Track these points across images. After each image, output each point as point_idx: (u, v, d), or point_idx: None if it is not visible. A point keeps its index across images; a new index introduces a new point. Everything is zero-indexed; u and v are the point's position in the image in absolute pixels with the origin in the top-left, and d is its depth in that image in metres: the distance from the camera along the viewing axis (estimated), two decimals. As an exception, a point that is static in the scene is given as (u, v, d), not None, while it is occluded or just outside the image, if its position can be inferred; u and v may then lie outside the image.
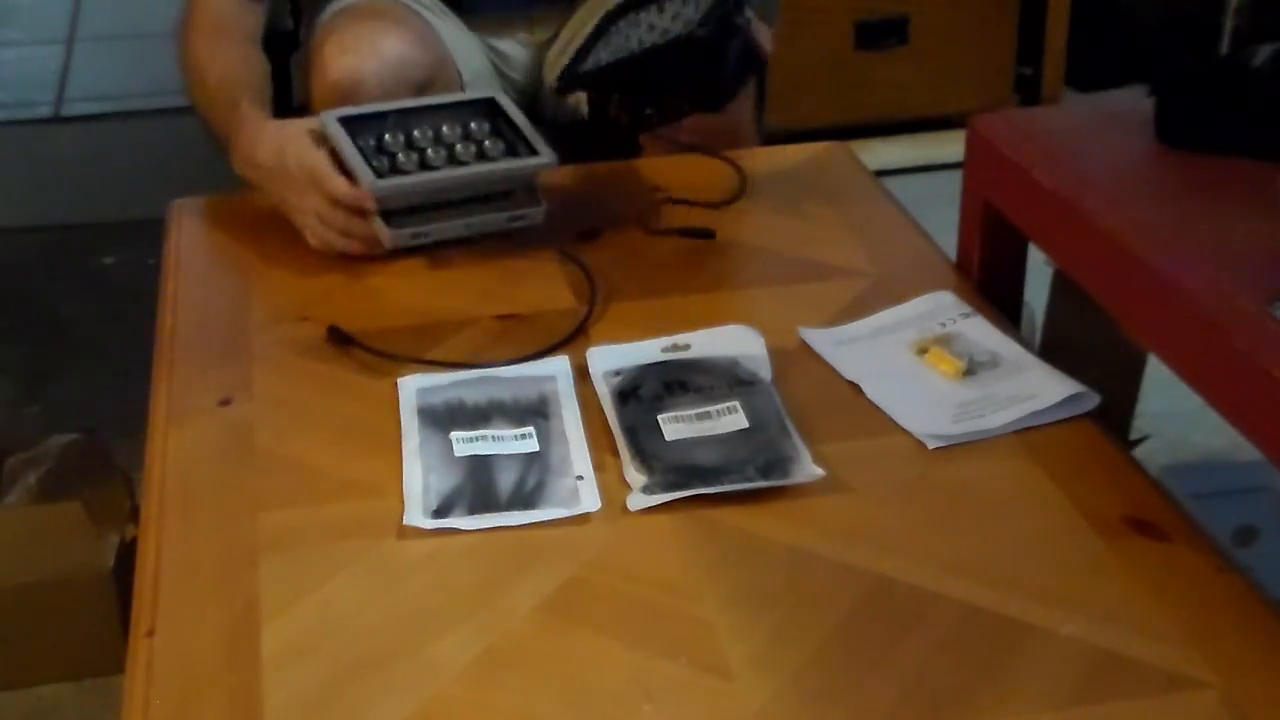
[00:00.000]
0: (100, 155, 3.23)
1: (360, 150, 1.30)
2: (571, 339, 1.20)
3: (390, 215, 1.31)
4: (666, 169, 1.50)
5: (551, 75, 1.38)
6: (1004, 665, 0.87)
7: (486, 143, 1.36)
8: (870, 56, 2.99)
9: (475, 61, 1.66)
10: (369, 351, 1.19)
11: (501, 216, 1.34)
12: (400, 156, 1.32)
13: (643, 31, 1.33)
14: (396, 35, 1.51)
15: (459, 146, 1.34)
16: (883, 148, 2.92)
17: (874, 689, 0.86)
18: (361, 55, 1.47)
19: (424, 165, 1.33)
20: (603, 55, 1.35)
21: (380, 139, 1.34)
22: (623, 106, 1.39)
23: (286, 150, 1.33)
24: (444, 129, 1.36)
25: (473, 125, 1.37)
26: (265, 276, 1.34)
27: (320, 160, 1.31)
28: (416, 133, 1.35)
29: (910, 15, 2.98)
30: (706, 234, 1.38)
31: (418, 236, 1.32)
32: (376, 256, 1.34)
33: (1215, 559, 0.96)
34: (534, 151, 1.34)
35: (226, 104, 1.43)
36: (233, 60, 1.49)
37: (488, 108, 1.40)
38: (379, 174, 1.29)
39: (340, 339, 1.21)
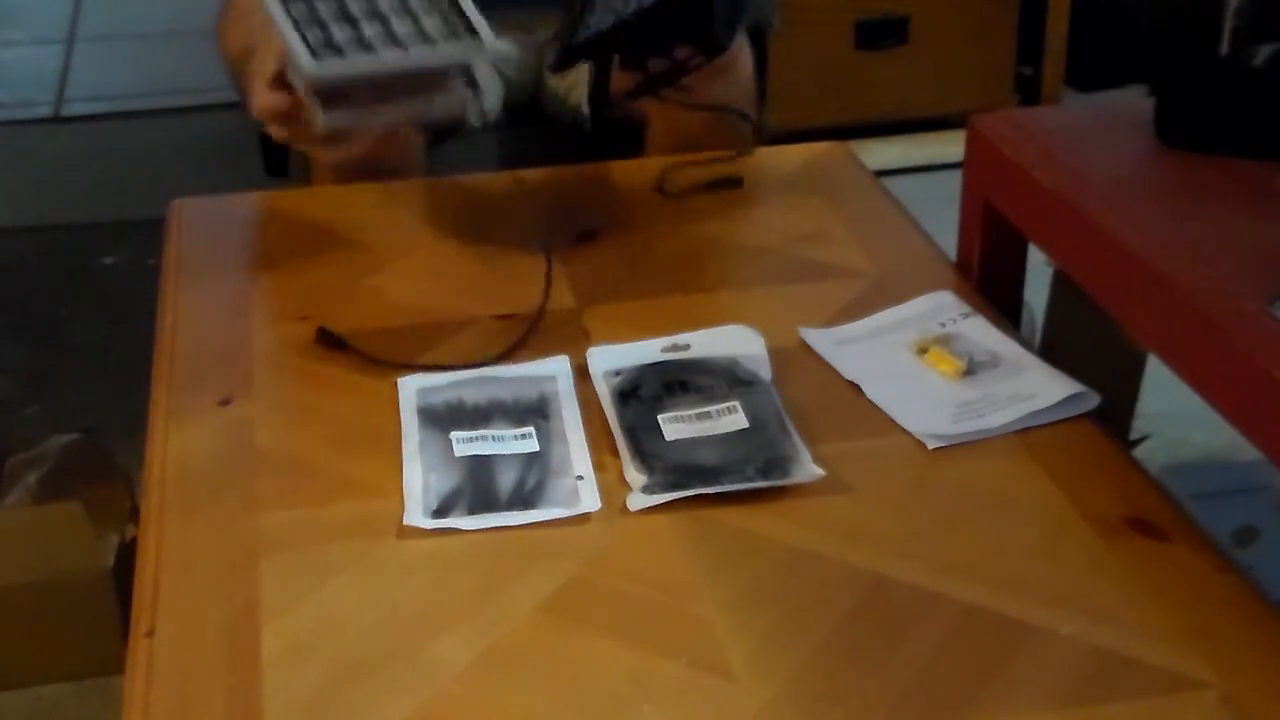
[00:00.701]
0: (100, 155, 3.23)
1: (294, 21, 1.21)
2: (530, 336, 1.20)
3: (324, 99, 1.22)
4: (667, 169, 1.50)
5: (548, 59, 1.34)
6: (1004, 665, 0.87)
7: (424, 20, 1.24)
8: (870, 56, 2.99)
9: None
10: (359, 354, 1.18)
11: (445, 103, 1.25)
12: (334, 30, 1.22)
13: None
14: None
15: (394, 20, 1.23)
16: (883, 148, 2.93)
17: (874, 689, 0.86)
18: None
19: (360, 43, 1.22)
20: (593, 21, 1.29)
21: (312, 6, 1.23)
22: (627, 68, 1.34)
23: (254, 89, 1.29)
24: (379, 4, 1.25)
25: (425, 23, 1.24)
26: (265, 276, 1.34)
27: (256, 87, 1.26)
28: (351, 3, 1.25)
29: (910, 15, 2.99)
30: (734, 182, 1.37)
31: (355, 121, 1.24)
32: (375, 257, 1.34)
33: (1215, 559, 0.96)
34: (475, 34, 1.23)
35: (245, 77, 1.40)
36: (252, 29, 1.41)
37: None
38: (314, 53, 1.19)
39: (330, 341, 1.20)
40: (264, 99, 1.26)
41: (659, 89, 1.36)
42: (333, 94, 1.21)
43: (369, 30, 1.22)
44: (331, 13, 1.23)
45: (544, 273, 1.31)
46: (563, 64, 1.32)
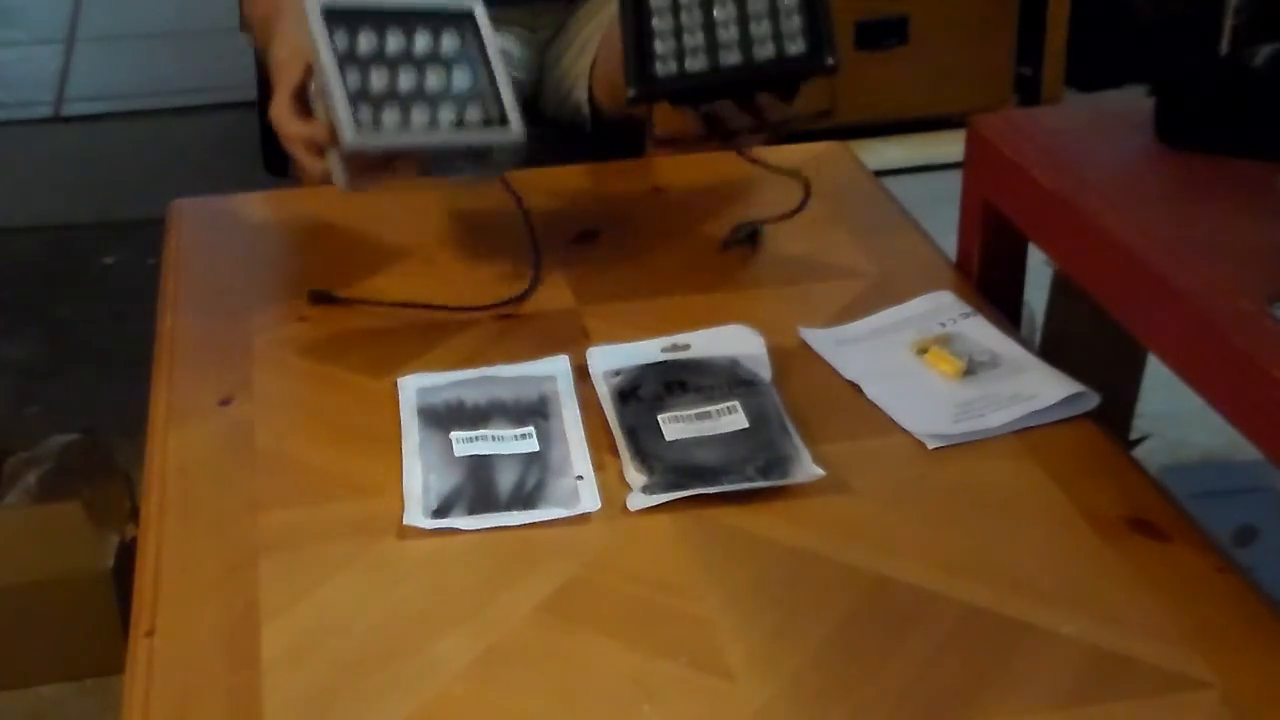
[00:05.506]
0: (100, 155, 3.23)
1: (346, 87, 1.21)
2: (525, 295, 1.20)
3: (352, 163, 1.24)
4: (668, 169, 1.50)
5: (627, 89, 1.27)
6: (1004, 665, 0.87)
7: (468, 109, 1.25)
8: (870, 56, 2.99)
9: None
10: (352, 303, 1.22)
11: (461, 177, 1.29)
12: (384, 110, 1.22)
13: (732, 34, 1.23)
14: None
15: (441, 108, 1.24)
16: (883, 148, 2.93)
17: (874, 689, 0.86)
18: None
19: (403, 123, 1.23)
20: (672, 59, 1.24)
21: (366, 78, 1.22)
22: (705, 117, 1.28)
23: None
24: (417, 45, 1.25)
25: (455, 78, 1.26)
26: (265, 277, 1.34)
27: (279, 100, 1.26)
28: (391, 44, 1.24)
29: (910, 15, 2.99)
30: (752, 235, 1.36)
31: (374, 183, 1.26)
32: (375, 257, 1.34)
33: (1215, 559, 0.96)
34: (505, 122, 1.26)
35: (264, 39, 1.36)
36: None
37: (467, 28, 1.28)
38: (358, 124, 1.20)
39: (321, 299, 1.23)
40: (291, 126, 1.25)
41: (735, 138, 1.31)
42: (362, 160, 1.23)
43: (417, 116, 1.23)
44: (383, 89, 1.23)
45: (543, 273, 1.31)
46: (643, 98, 1.25)
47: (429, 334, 1.22)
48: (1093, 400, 1.11)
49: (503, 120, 1.26)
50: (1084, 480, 1.04)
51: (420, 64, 1.25)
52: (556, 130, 1.72)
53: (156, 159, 3.16)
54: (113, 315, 2.55)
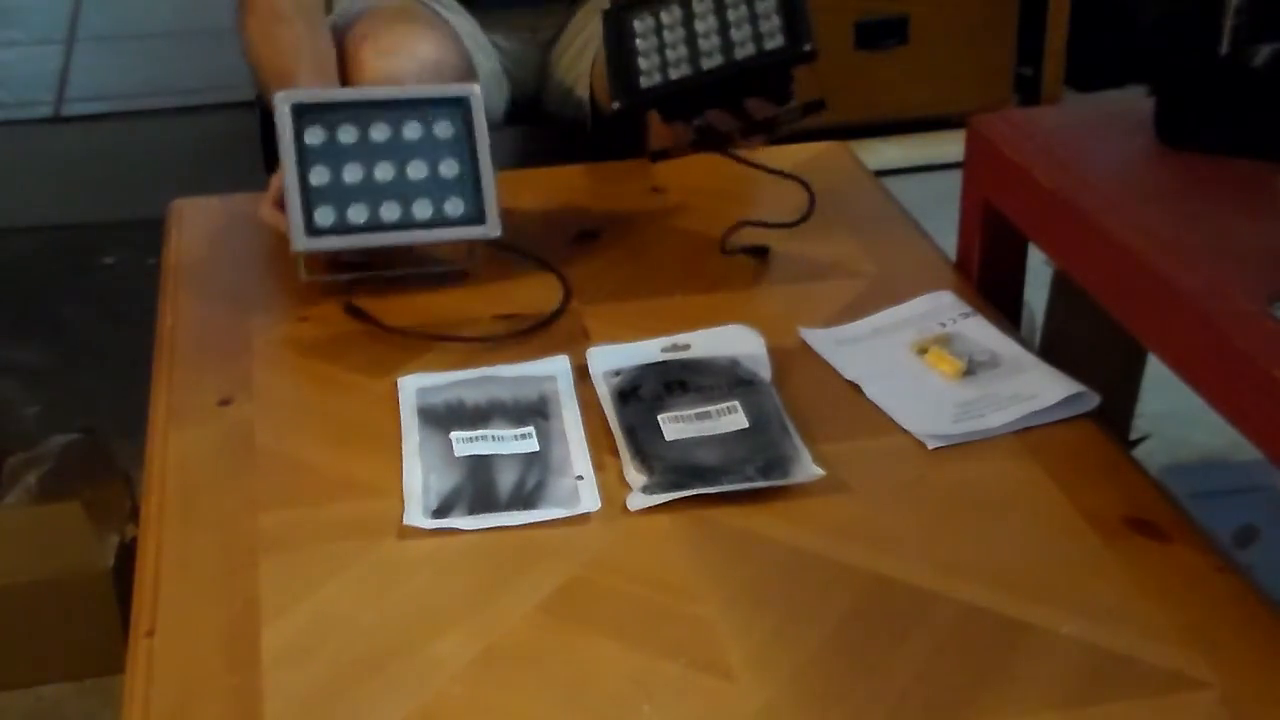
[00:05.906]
0: (100, 155, 3.23)
1: (301, 154, 1.22)
2: (548, 323, 1.20)
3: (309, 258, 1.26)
4: (667, 169, 1.50)
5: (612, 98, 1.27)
6: (1004, 665, 0.88)
7: (447, 204, 1.25)
8: (870, 56, 2.99)
9: (488, 62, 1.67)
10: (384, 329, 1.21)
11: (429, 271, 1.30)
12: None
13: (714, 42, 1.24)
14: (431, 39, 1.51)
15: (415, 205, 1.24)
16: (883, 148, 2.92)
17: (874, 689, 0.86)
18: (401, 58, 1.47)
19: (370, 223, 1.23)
20: (655, 69, 1.25)
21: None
22: (698, 129, 1.29)
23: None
24: (405, 133, 1.26)
25: (441, 168, 1.26)
26: (265, 276, 1.34)
27: (270, 188, 1.30)
28: (375, 135, 1.25)
29: (910, 15, 2.98)
30: (760, 251, 1.34)
31: (335, 277, 1.28)
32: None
33: (1215, 559, 0.96)
34: (482, 220, 1.26)
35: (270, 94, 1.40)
36: (285, 46, 1.43)
37: (461, 115, 1.28)
38: (312, 228, 1.22)
39: (357, 314, 1.23)
40: (265, 212, 1.29)
41: (727, 144, 1.32)
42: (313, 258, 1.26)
43: (386, 212, 1.24)
44: (355, 182, 1.24)
45: (544, 274, 1.31)
46: (630, 110, 1.27)
47: (429, 333, 1.22)
48: (1093, 400, 1.11)
49: (480, 217, 1.26)
50: (1084, 480, 1.04)
51: (404, 153, 1.25)
52: (557, 130, 1.73)
53: (156, 159, 3.16)
54: (113, 315, 2.55)
